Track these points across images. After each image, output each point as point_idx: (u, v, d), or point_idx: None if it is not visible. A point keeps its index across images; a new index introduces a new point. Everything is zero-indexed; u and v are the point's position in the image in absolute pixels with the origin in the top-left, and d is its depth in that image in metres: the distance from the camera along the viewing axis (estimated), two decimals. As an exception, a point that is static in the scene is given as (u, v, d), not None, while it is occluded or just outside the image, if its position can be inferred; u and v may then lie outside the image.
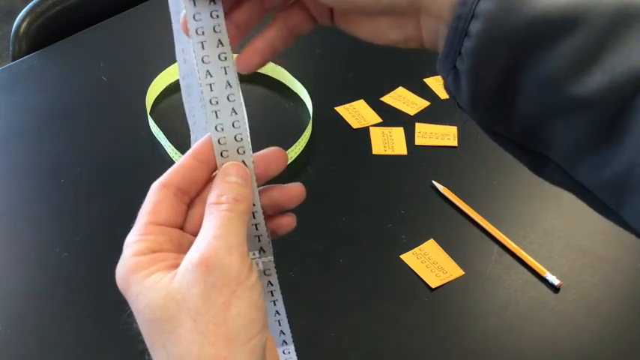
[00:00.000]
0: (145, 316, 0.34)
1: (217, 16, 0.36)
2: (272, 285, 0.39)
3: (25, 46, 1.02)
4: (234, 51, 0.38)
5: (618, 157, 0.33)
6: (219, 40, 0.36)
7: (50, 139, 0.87)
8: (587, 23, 0.33)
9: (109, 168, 0.83)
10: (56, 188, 0.80)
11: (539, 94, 0.34)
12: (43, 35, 1.03)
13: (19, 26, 1.02)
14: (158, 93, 0.92)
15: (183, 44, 0.43)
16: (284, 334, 0.40)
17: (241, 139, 0.37)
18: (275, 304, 0.40)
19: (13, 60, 1.01)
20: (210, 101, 0.37)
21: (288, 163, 0.81)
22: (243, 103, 0.37)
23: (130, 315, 0.35)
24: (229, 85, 0.37)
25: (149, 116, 0.86)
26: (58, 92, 0.94)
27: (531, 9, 0.33)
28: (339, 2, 0.37)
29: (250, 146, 0.37)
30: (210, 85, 0.36)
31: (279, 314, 0.40)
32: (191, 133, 0.45)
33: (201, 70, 0.36)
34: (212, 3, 0.36)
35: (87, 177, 0.82)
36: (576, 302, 0.69)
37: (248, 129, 0.37)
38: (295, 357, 0.42)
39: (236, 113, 0.37)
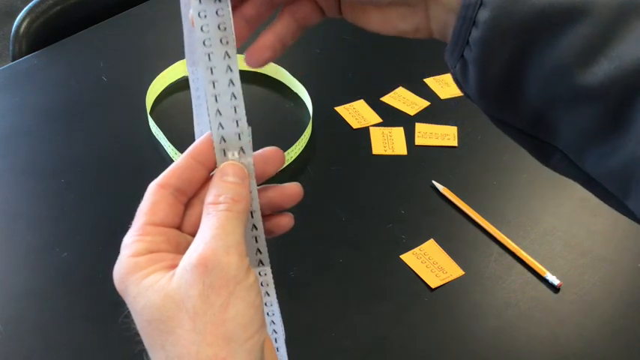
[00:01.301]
0: (143, 316, 0.34)
1: (223, 14, 0.36)
2: (269, 296, 0.39)
3: (25, 46, 1.02)
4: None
5: (624, 147, 0.33)
6: (224, 38, 0.36)
7: (50, 139, 0.87)
8: (594, 12, 0.33)
9: (109, 168, 0.83)
10: (56, 188, 0.80)
11: (546, 84, 0.34)
12: (43, 35, 1.03)
13: (19, 26, 1.02)
14: (158, 93, 0.92)
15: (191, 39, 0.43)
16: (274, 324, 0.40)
17: (242, 137, 0.37)
18: (269, 315, 0.40)
19: (13, 60, 1.01)
20: (216, 98, 0.37)
21: (288, 163, 0.82)
22: (243, 102, 0.37)
23: (128, 315, 0.35)
24: (232, 83, 0.37)
25: (149, 116, 0.86)
26: (58, 92, 0.94)
27: None
28: None
29: (251, 145, 0.37)
30: (214, 82, 0.36)
31: (275, 323, 0.40)
32: (195, 125, 0.45)
33: (205, 68, 0.36)
34: (217, 1, 0.36)
35: (87, 177, 0.82)
36: (576, 302, 0.69)
37: (249, 128, 0.37)
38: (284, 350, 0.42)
39: (236, 112, 0.37)
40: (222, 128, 0.37)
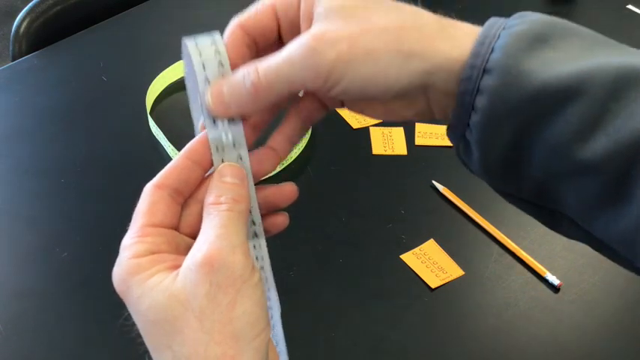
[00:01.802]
0: (148, 317, 0.34)
1: (238, 131, 0.38)
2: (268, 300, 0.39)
3: (25, 46, 1.02)
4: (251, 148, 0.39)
5: (629, 214, 0.34)
6: (239, 155, 0.38)
7: (50, 139, 0.87)
8: (588, 92, 0.33)
9: (109, 168, 0.83)
10: (56, 188, 0.80)
11: (546, 161, 0.35)
12: (43, 35, 1.03)
13: (19, 26, 1.02)
14: (158, 93, 0.92)
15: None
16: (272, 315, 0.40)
17: (237, 137, 0.38)
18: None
19: (13, 60, 1.01)
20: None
21: (288, 163, 0.82)
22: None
23: (128, 318, 0.35)
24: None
25: (149, 116, 0.86)
26: (58, 92, 0.94)
27: (533, 83, 0.34)
28: (352, 96, 0.38)
29: (246, 144, 0.38)
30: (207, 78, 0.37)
31: (273, 318, 0.40)
32: (194, 121, 0.45)
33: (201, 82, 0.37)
34: (232, 120, 0.38)
35: (87, 177, 0.82)
36: (576, 302, 0.69)
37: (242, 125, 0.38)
38: (284, 345, 0.42)
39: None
40: (217, 128, 0.37)
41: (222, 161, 0.37)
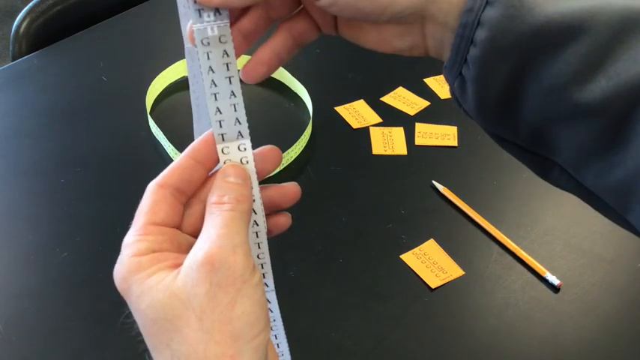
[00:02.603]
0: (148, 315, 0.34)
1: (224, 25, 0.36)
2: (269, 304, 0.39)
3: (25, 46, 1.02)
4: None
5: (623, 163, 0.33)
6: (225, 51, 0.36)
7: (50, 139, 0.87)
8: (591, 31, 0.32)
9: (109, 168, 0.83)
10: (56, 188, 0.80)
11: (543, 101, 0.34)
12: (43, 35, 1.03)
13: (19, 26, 1.02)
14: (158, 93, 0.92)
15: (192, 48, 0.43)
16: (272, 314, 0.40)
17: (242, 136, 0.37)
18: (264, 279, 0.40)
19: (13, 60, 1.01)
20: (215, 96, 0.37)
21: (289, 162, 0.82)
22: (243, 101, 0.37)
23: (129, 316, 0.35)
24: (233, 95, 0.37)
25: (149, 116, 0.86)
26: (58, 92, 0.94)
27: (536, 17, 0.33)
28: (344, 11, 0.37)
29: (250, 143, 0.38)
30: (215, 94, 0.37)
31: (272, 311, 0.40)
32: (194, 124, 0.45)
33: (206, 79, 0.37)
34: (218, 14, 0.36)
35: (87, 177, 0.82)
36: (576, 302, 0.69)
37: (247, 125, 0.37)
38: (286, 345, 0.42)
39: (236, 110, 0.37)
40: (222, 127, 0.37)
41: (216, 99, 0.36)
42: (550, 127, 0.35)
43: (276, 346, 0.41)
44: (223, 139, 0.37)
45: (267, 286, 0.39)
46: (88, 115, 0.90)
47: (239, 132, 0.37)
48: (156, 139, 0.85)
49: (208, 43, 0.36)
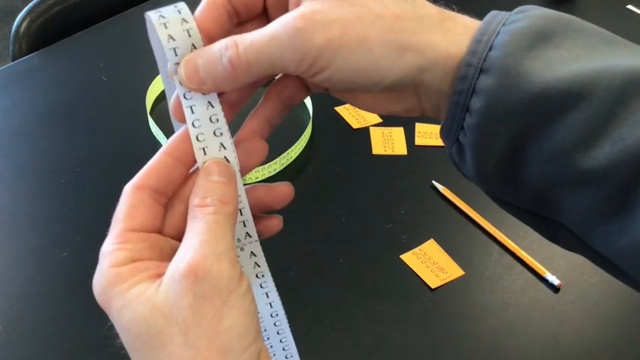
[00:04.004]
0: (130, 331, 0.32)
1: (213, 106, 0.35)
2: (259, 267, 0.37)
3: (25, 46, 1.02)
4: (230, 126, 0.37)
5: (632, 228, 0.31)
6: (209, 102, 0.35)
7: (50, 139, 0.87)
8: (593, 97, 0.31)
9: (108, 168, 0.83)
10: (56, 188, 0.80)
11: (546, 168, 0.33)
12: (43, 35, 1.03)
13: (19, 26, 1.02)
14: (158, 93, 0.92)
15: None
16: (277, 316, 0.38)
17: (221, 133, 0.35)
18: (263, 287, 0.37)
19: (13, 60, 1.01)
20: (185, 96, 0.35)
21: (289, 163, 0.82)
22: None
23: (111, 328, 0.33)
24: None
25: (149, 116, 0.86)
26: (58, 92, 0.94)
27: (533, 84, 0.32)
28: (337, 85, 0.35)
29: (232, 140, 0.35)
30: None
31: (269, 297, 0.38)
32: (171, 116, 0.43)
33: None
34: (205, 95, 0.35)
35: (87, 177, 0.82)
36: (576, 302, 0.69)
37: (226, 122, 0.35)
38: (293, 344, 0.40)
39: (212, 106, 0.35)
40: (198, 126, 0.35)
41: (193, 125, 0.34)
42: (554, 192, 0.34)
43: (282, 350, 0.40)
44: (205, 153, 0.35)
45: (249, 236, 0.36)
46: (88, 115, 0.90)
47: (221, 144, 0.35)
48: (156, 139, 0.85)
49: (192, 97, 0.35)
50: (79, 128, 0.88)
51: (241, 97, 0.39)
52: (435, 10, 0.35)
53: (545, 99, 0.32)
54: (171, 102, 0.36)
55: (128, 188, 0.35)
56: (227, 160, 0.35)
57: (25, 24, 1.02)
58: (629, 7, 1.10)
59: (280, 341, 0.40)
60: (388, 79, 0.34)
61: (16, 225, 0.76)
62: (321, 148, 0.86)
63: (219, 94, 0.36)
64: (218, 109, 0.35)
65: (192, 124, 0.35)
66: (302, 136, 0.84)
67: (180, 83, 0.35)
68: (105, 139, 0.86)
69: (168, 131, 0.83)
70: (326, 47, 0.33)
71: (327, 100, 0.91)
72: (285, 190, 0.38)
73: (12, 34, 1.02)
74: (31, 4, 1.04)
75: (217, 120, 0.35)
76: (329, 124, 0.89)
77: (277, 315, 0.38)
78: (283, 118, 0.40)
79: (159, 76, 0.91)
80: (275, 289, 0.38)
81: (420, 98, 0.37)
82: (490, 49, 0.33)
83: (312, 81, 0.35)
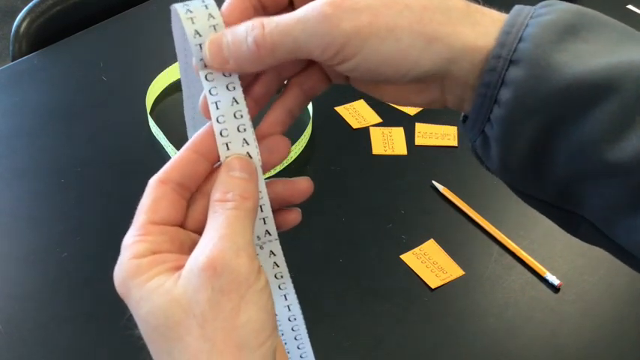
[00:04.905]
0: (148, 322, 0.32)
1: (234, 88, 0.35)
2: (278, 266, 0.37)
3: (25, 46, 1.02)
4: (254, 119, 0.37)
5: None
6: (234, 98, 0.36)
7: (50, 139, 0.87)
8: (621, 88, 0.31)
9: (109, 168, 0.83)
10: (56, 188, 0.80)
11: (573, 161, 0.33)
12: (43, 35, 1.03)
13: (19, 26, 1.02)
14: (158, 93, 0.92)
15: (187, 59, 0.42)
16: (295, 320, 0.38)
17: (244, 129, 0.35)
18: (281, 288, 0.38)
19: (13, 60, 1.01)
20: (210, 91, 0.35)
21: (289, 162, 0.82)
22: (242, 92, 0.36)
23: (130, 318, 0.34)
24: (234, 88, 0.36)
25: (149, 116, 0.86)
26: (58, 92, 0.94)
27: (563, 76, 0.32)
28: (364, 75, 0.35)
29: (254, 137, 0.36)
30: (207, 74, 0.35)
31: (287, 299, 0.38)
32: (187, 129, 0.44)
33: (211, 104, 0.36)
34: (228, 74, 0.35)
35: (87, 177, 0.81)
36: (576, 302, 0.69)
37: (250, 119, 0.36)
38: (310, 350, 0.40)
39: (237, 102, 0.35)
40: (222, 122, 0.35)
41: (218, 121, 0.35)
42: (578, 185, 0.34)
43: (299, 357, 0.40)
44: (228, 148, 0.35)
45: (269, 234, 0.37)
46: (88, 115, 0.90)
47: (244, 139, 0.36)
48: (156, 139, 0.85)
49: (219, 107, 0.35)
50: (79, 128, 0.88)
51: (267, 92, 0.39)
52: (462, 2, 0.35)
53: (575, 91, 0.32)
54: (200, 99, 0.36)
55: (152, 182, 0.35)
56: (249, 155, 0.36)
57: (25, 24, 1.02)
58: (629, 7, 1.10)
59: (298, 347, 0.39)
60: (416, 70, 0.34)
61: (17, 225, 0.76)
62: (321, 148, 0.86)
63: (245, 91, 0.36)
64: (242, 106, 0.35)
65: (217, 119, 0.35)
66: (302, 136, 0.84)
67: (205, 62, 0.35)
68: (105, 139, 0.86)
69: (169, 131, 0.83)
70: (354, 35, 0.33)
71: (327, 100, 0.91)
72: (304, 185, 0.39)
73: (12, 34, 1.02)
74: (31, 4, 1.04)
75: (241, 116, 0.35)
76: (329, 124, 0.89)
77: (295, 319, 0.38)
78: (303, 109, 0.41)
79: (159, 76, 0.91)
80: (294, 291, 0.38)
81: (443, 90, 0.37)
82: (520, 41, 0.33)
83: (338, 69, 0.35)
